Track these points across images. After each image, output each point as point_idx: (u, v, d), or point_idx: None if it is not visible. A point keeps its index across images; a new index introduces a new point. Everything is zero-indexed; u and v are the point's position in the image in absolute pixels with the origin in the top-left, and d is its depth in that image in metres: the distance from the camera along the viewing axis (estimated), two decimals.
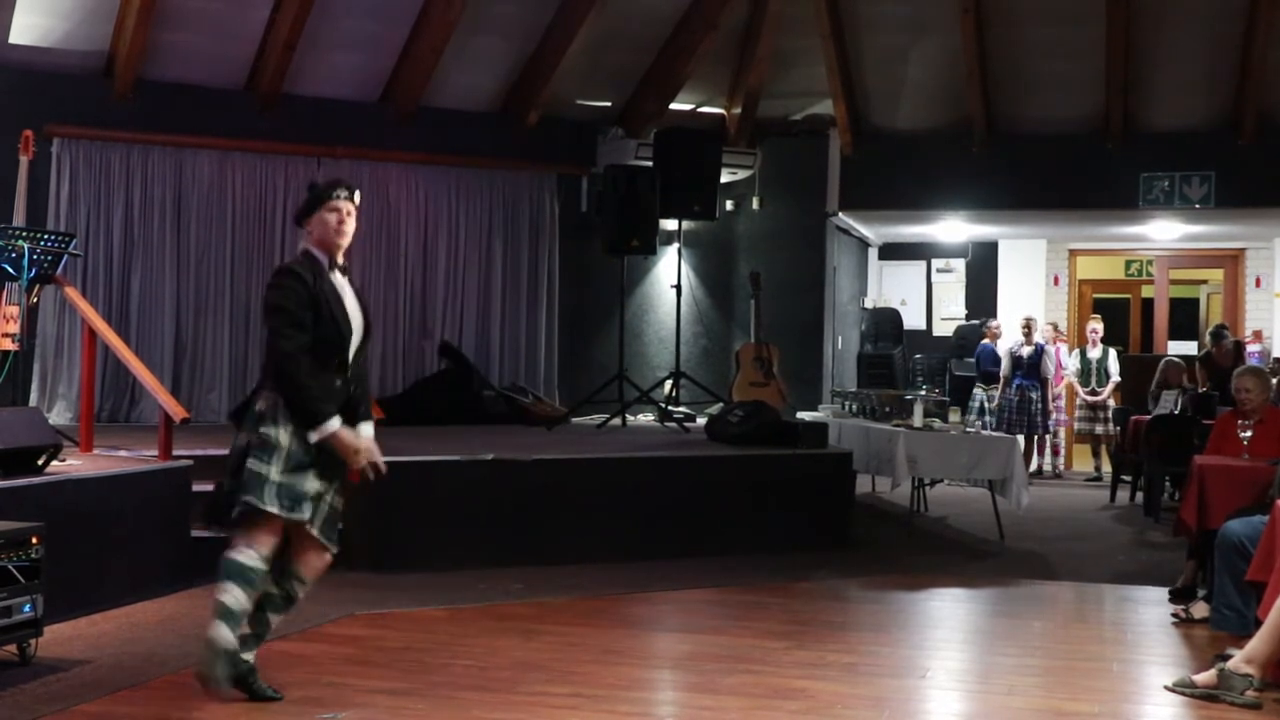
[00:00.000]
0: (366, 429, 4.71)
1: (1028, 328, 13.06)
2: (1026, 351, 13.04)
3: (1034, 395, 12.91)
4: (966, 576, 7.81)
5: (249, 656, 4.65)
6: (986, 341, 13.56)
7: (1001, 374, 13.04)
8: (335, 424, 4.52)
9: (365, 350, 4.76)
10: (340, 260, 4.71)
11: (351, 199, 4.71)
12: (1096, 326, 13.41)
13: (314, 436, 4.50)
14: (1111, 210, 12.72)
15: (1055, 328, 14.02)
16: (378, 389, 10.71)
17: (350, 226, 4.69)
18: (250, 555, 4.52)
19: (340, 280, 4.68)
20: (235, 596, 4.49)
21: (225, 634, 4.47)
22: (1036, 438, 13.18)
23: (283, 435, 4.52)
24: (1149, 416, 10.82)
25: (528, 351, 11.86)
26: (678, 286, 11.27)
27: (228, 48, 10.42)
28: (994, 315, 14.53)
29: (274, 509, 4.49)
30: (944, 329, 14.85)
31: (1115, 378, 13.04)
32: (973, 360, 13.59)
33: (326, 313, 4.55)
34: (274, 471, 4.50)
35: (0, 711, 4.46)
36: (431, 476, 7.62)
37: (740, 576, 7.46)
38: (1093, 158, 12.34)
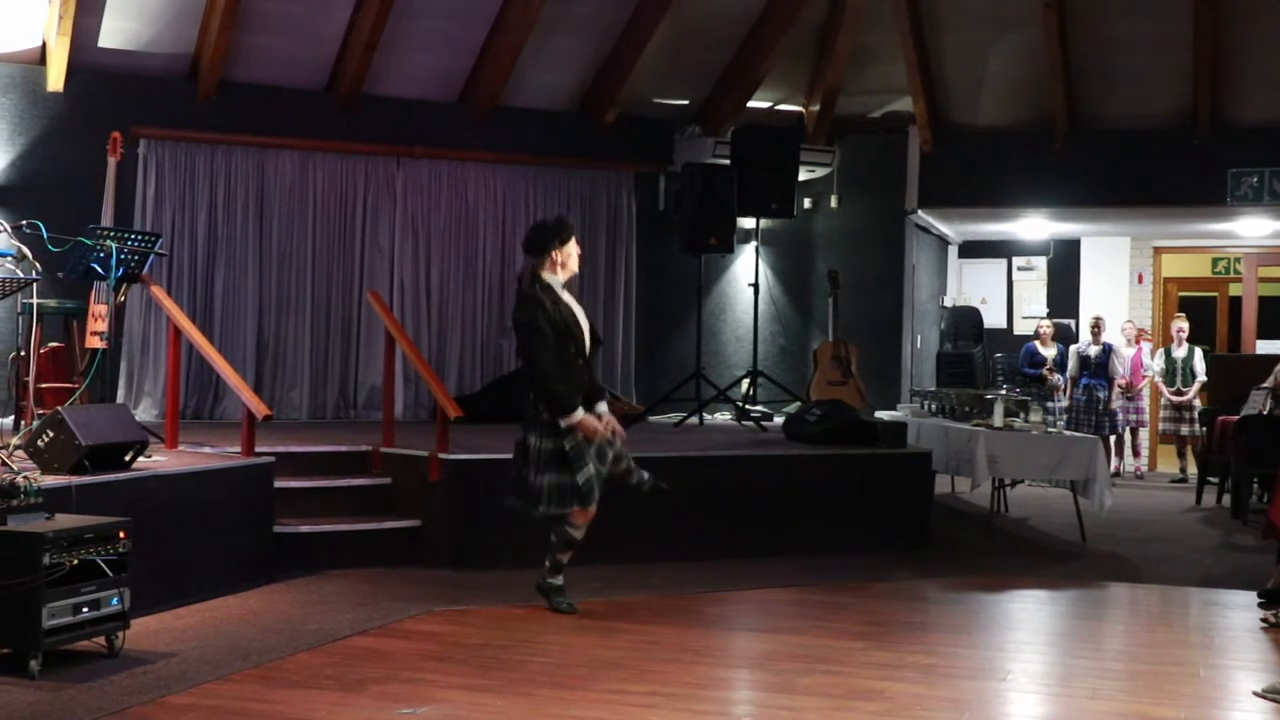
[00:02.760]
0: (602, 406, 6.16)
1: (1096, 327, 12.97)
2: (1094, 351, 12.92)
3: (1101, 395, 12.81)
4: (1048, 578, 7.73)
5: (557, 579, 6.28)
6: (1033, 343, 13.41)
7: (1069, 375, 12.92)
8: (580, 413, 5.94)
9: (597, 352, 6.21)
10: (566, 279, 6.03)
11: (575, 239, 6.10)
12: (1182, 325, 13.21)
13: (564, 422, 5.90)
14: (1198, 207, 12.49)
15: (1135, 325, 13.81)
16: (455, 387, 10.80)
17: None
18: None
19: (569, 299, 5.98)
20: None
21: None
22: (1115, 439, 13.01)
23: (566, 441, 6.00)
24: (1236, 417, 10.63)
25: (605, 349, 11.86)
26: (755, 285, 11.25)
27: (309, 49, 10.55)
28: (1075, 314, 14.36)
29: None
30: (1025, 328, 14.67)
31: (1201, 377, 12.83)
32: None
33: (567, 324, 5.93)
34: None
35: (89, 702, 4.56)
36: (509, 474, 7.63)
37: (818, 576, 7.43)
38: (1179, 153, 12.12)
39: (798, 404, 10.59)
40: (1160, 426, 13.53)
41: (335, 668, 5.12)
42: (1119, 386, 13.04)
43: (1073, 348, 13.14)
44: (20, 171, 9.74)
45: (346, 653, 5.30)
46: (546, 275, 5.94)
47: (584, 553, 7.50)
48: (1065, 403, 12.91)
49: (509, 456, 7.69)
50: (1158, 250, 15.04)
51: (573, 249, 6.03)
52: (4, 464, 5.54)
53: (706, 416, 10.76)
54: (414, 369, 9.74)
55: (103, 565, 5.07)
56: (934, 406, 10.66)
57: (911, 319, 13.13)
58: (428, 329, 11.11)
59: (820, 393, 10.83)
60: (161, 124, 10.19)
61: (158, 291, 7.87)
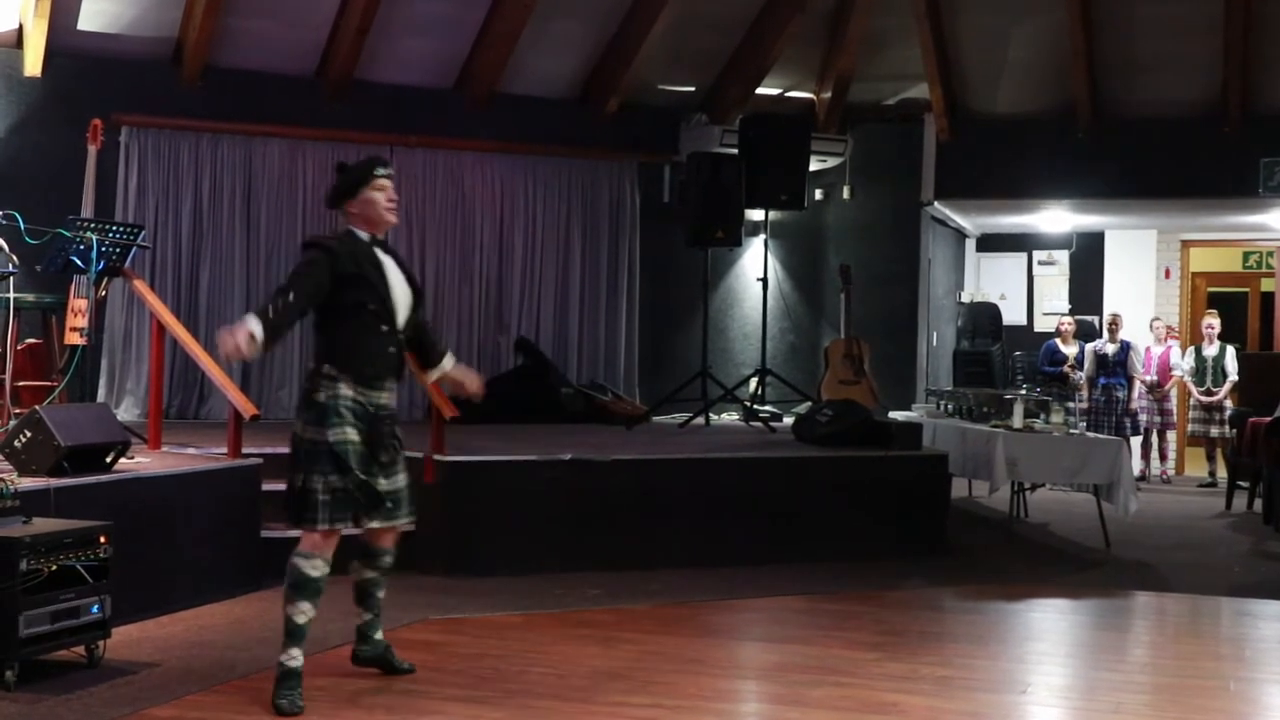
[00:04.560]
0: (449, 361, 5.37)
1: (1113, 324, 12.98)
2: (1111, 349, 12.92)
3: (1121, 395, 12.81)
4: (1070, 587, 7.72)
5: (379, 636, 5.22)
6: (1054, 340, 13.40)
7: (1085, 374, 12.92)
8: (251, 322, 4.61)
9: (418, 316, 5.14)
10: (381, 235, 5.02)
11: (390, 176, 5.02)
12: (1213, 322, 13.19)
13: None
14: (1228, 198, 12.47)
15: (1164, 322, 13.79)
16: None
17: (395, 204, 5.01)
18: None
19: (383, 256, 4.99)
20: None
21: None
22: (1139, 441, 13.01)
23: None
24: (1268, 419, 10.62)
25: (607, 347, 11.89)
26: (764, 279, 11.24)
27: (298, 33, 10.55)
28: (1099, 310, 14.34)
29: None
30: (1046, 325, 14.67)
31: (1233, 377, 12.82)
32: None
33: (367, 280, 4.87)
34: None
35: (68, 715, 4.57)
36: (506, 477, 7.66)
37: (829, 584, 7.43)
38: (1208, 142, 12.11)
39: (808, 404, 10.58)
40: (1189, 428, 13.51)
41: (325, 679, 5.11)
42: (1141, 385, 13.04)
43: (1089, 346, 13.15)
44: None
45: (337, 664, 5.30)
46: (353, 229, 4.98)
47: (584, 559, 7.54)
48: (1084, 403, 12.91)
49: (509, 458, 7.76)
50: (1185, 244, 15.01)
51: (376, 196, 4.94)
52: None
53: (713, 417, 10.75)
54: (407, 367, 9.71)
55: (82, 571, 5.07)
56: (950, 407, 10.65)
57: (927, 315, 13.12)
58: None
59: (831, 392, 10.83)
60: (144, 111, 10.19)
61: (140, 285, 7.86)
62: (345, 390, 4.84)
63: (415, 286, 5.12)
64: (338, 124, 10.77)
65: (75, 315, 8.03)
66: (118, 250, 7.54)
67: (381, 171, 5.00)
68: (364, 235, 4.97)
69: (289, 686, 4.71)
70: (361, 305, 4.86)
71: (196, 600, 6.35)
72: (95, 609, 5.12)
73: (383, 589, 5.25)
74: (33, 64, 9.77)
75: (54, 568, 4.95)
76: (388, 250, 5.05)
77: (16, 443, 5.93)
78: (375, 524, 4.99)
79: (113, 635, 5.28)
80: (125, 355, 10.15)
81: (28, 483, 5.56)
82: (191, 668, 5.24)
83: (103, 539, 5.20)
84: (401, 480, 5.06)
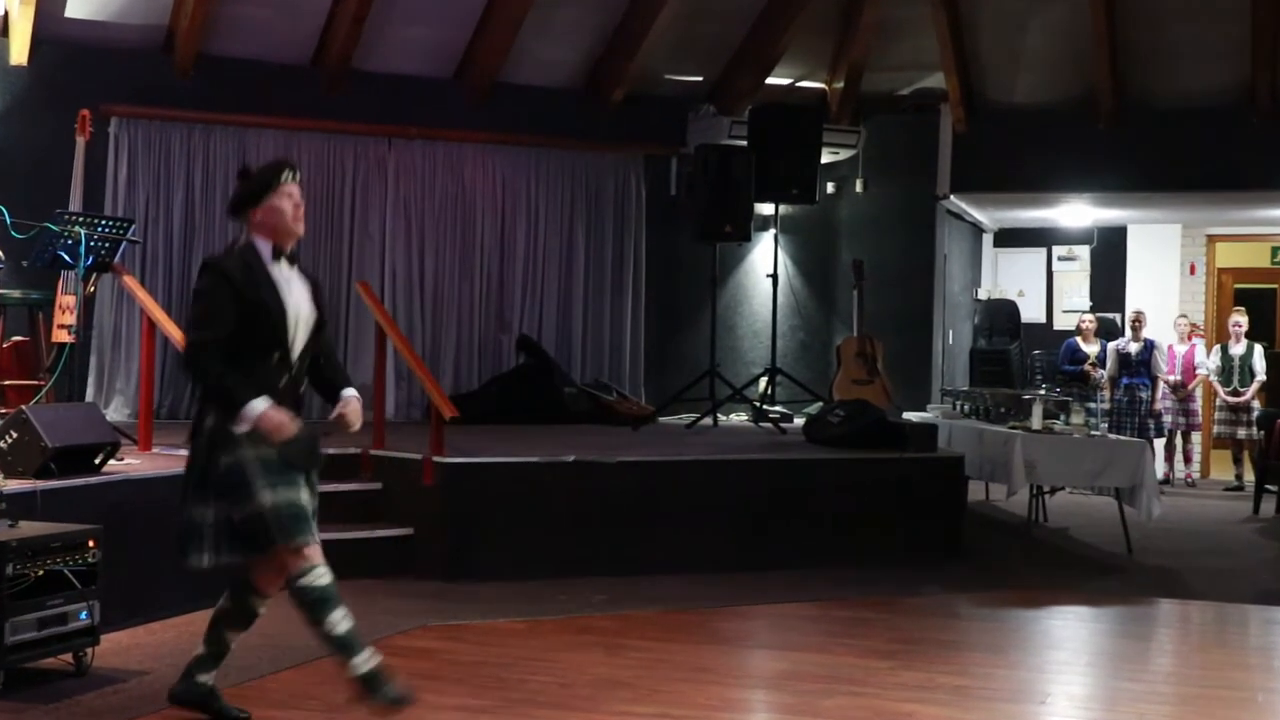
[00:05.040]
0: (349, 392, 4.78)
1: (1136, 322, 12.99)
2: (1135, 348, 12.91)
3: (1144, 395, 12.81)
4: (1090, 593, 7.72)
5: (208, 679, 4.76)
6: (1074, 339, 13.39)
7: (1107, 374, 12.92)
8: (260, 404, 4.43)
9: (319, 342, 4.73)
10: (288, 249, 4.67)
11: (298, 181, 4.70)
12: (1240, 320, 13.17)
13: (241, 426, 4.44)
14: (1256, 191, 12.44)
15: (1189, 320, 13.78)
16: (451, 386, 10.81)
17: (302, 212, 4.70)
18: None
19: (287, 271, 4.65)
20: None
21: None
22: (1162, 443, 13.00)
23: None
24: None
25: (612, 346, 11.89)
26: (774, 276, 11.23)
27: (293, 21, 10.55)
28: (1121, 308, 14.33)
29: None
30: (1066, 322, 14.65)
31: (1261, 376, 12.80)
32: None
33: (262, 303, 4.50)
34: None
35: None
36: (509, 479, 7.66)
37: (841, 590, 7.43)
38: (1235, 133, 12.07)
39: (819, 404, 10.59)
40: (1214, 429, 13.48)
41: (320, 687, 5.12)
42: (1165, 385, 13.03)
43: (1110, 345, 13.13)
44: None
45: (332, 671, 5.30)
46: (256, 240, 4.63)
47: (588, 564, 7.54)
48: (1106, 404, 12.90)
49: (511, 460, 7.76)
50: (1211, 238, 14.98)
51: (282, 204, 4.62)
52: None
53: (721, 418, 10.75)
54: (406, 365, 9.73)
55: (70, 576, 5.08)
56: (967, 407, 10.65)
57: (942, 313, 13.11)
58: (421, 322, 11.12)
59: (844, 392, 10.82)
60: (134, 101, 10.20)
61: (130, 281, 7.88)
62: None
63: (321, 307, 4.74)
64: (334, 115, 10.78)
65: (63, 312, 8.04)
66: (107, 245, 7.55)
67: (289, 176, 4.67)
68: (266, 249, 4.62)
69: (383, 682, 4.50)
70: (251, 332, 4.50)
71: (188, 606, 6.33)
72: (83, 615, 5.13)
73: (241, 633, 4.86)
74: (19, 52, 9.78)
75: (41, 573, 4.95)
76: (293, 263, 4.69)
77: (2, 444, 5.92)
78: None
79: (101, 642, 5.29)
80: (115, 353, 10.16)
81: (14, 485, 5.57)
82: None
83: (91, 543, 5.21)
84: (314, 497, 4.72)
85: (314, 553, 4.51)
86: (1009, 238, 15.26)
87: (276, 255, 4.63)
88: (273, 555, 4.54)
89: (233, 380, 4.46)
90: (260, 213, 4.62)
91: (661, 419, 10.89)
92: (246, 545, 4.55)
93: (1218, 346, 13.30)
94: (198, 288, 4.58)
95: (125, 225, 7.82)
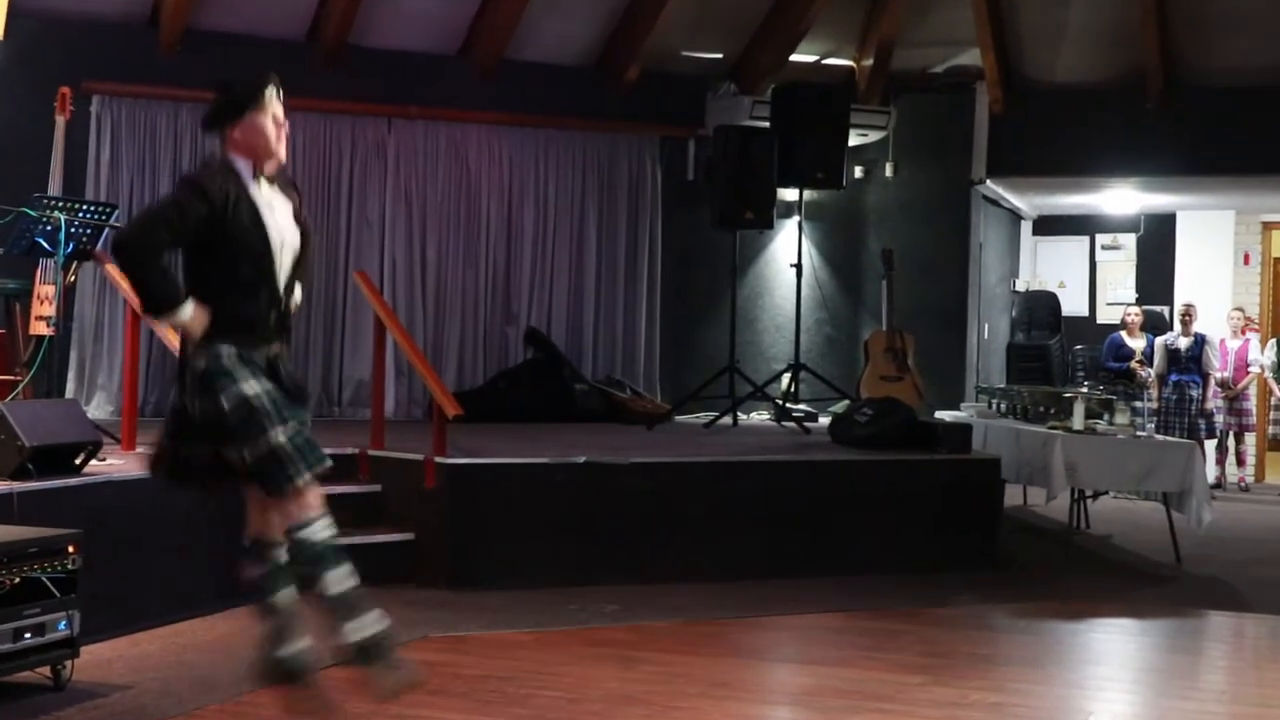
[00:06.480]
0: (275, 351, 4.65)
1: (1186, 316, 12.96)
2: (1184, 344, 12.88)
3: (1194, 394, 12.78)
4: (1135, 605, 7.70)
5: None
6: (1119, 333, 13.35)
7: (1155, 371, 12.88)
8: (189, 309, 4.39)
9: (304, 269, 4.67)
10: (267, 170, 4.58)
11: (281, 99, 4.61)
12: None
13: (163, 323, 4.41)
14: None
15: (1243, 313, 13.74)
16: (454, 382, 10.81)
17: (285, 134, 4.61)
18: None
19: (269, 191, 4.57)
20: None
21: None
22: (1214, 445, 12.96)
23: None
24: None
25: (625, 339, 11.89)
26: (798, 265, 11.22)
27: None
28: (1169, 300, 14.30)
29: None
30: (1110, 315, 14.62)
31: None
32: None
33: (237, 223, 4.42)
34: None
35: None
36: (516, 481, 7.66)
37: (869, 600, 7.42)
38: None
39: (846, 402, 10.58)
40: (1269, 430, 13.45)
41: (315, 702, 5.10)
42: (1216, 383, 12.99)
43: (1158, 340, 13.09)
44: None
45: (328, 685, 5.30)
46: (235, 158, 4.53)
47: (599, 572, 7.54)
48: (1154, 403, 12.87)
49: (518, 461, 7.76)
50: (1267, 225, 14.95)
51: (264, 122, 4.55)
52: None
53: (741, 416, 10.74)
54: (407, 360, 9.74)
55: (48, 584, 5.08)
56: (1004, 406, 10.63)
57: (978, 305, 13.09)
58: (423, 314, 11.13)
59: (872, 389, 10.81)
60: (117, 78, 10.21)
61: (113, 271, 7.88)
62: (226, 348, 4.45)
63: (304, 228, 4.67)
64: (331, 93, 10.77)
65: (41, 303, 8.05)
66: (88, 231, 7.56)
67: (274, 92, 4.59)
68: (246, 169, 4.52)
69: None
70: (233, 265, 4.45)
71: (174, 616, 6.36)
72: (62, 625, 5.13)
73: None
74: None
75: (17, 580, 4.95)
76: (274, 184, 4.60)
77: None
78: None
79: (81, 654, 5.28)
80: (96, 347, 10.18)
81: None
82: (169, 690, 5.25)
83: (71, 548, 5.20)
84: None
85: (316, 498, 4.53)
86: (1049, 225, 15.24)
87: (255, 176, 4.54)
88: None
89: (171, 282, 4.39)
90: (240, 130, 4.54)
91: (678, 418, 10.88)
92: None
93: (1273, 341, 13.27)
94: (172, 194, 4.55)
95: (108, 210, 7.83)
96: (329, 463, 4.58)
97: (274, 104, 4.59)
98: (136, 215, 4.68)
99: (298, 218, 4.67)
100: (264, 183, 4.56)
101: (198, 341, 4.44)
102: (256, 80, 4.63)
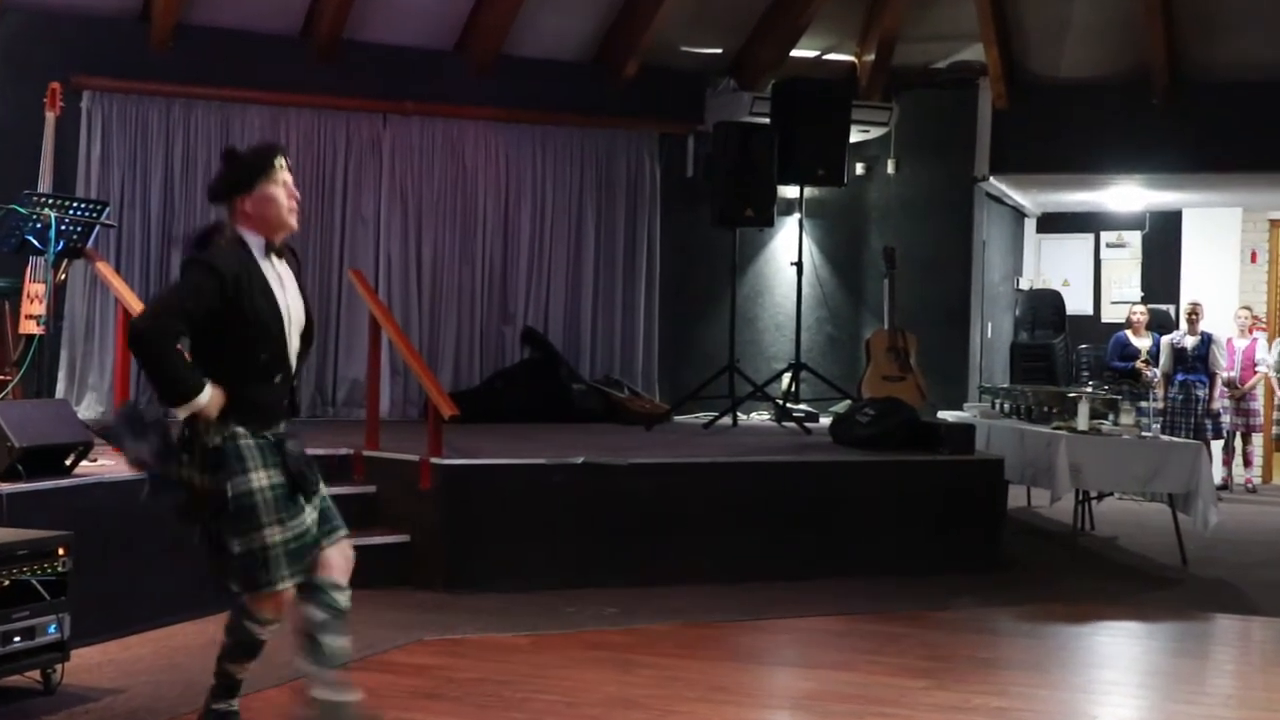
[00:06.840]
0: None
1: (1193, 314, 12.95)
2: (1190, 342, 12.88)
3: (1201, 394, 12.78)
4: (1141, 608, 7.71)
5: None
6: (1124, 332, 13.35)
7: (1161, 371, 12.89)
8: (206, 394, 4.32)
9: (308, 350, 4.63)
10: (278, 242, 4.52)
11: (292, 170, 4.55)
12: None
13: (183, 412, 4.34)
14: None
15: (1251, 312, 13.74)
16: (450, 382, 10.81)
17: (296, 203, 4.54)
18: None
19: (279, 266, 4.51)
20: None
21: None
22: (1221, 445, 12.96)
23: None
24: None
25: (624, 338, 11.88)
26: (799, 264, 11.22)
27: None
28: (1175, 298, 14.29)
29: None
30: (1115, 314, 14.62)
31: None
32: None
33: (252, 307, 4.37)
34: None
35: None
36: (512, 482, 7.67)
37: (871, 603, 7.43)
38: None
39: (847, 402, 10.57)
40: (1276, 431, 13.44)
41: (309, 707, 5.10)
42: (1222, 382, 12.99)
43: (1165, 339, 13.09)
44: None
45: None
46: (244, 232, 4.45)
47: (597, 574, 7.54)
48: (1160, 403, 12.87)
49: (515, 462, 7.75)
50: (1274, 223, 14.95)
51: (276, 193, 4.45)
52: None
53: (741, 416, 10.74)
54: (402, 360, 9.74)
55: (38, 587, 5.08)
56: (1007, 406, 10.63)
57: (981, 304, 13.09)
58: (418, 313, 11.12)
59: (873, 389, 10.81)
60: (109, 73, 10.19)
61: (104, 269, 7.89)
62: (240, 430, 4.41)
63: (305, 299, 4.63)
64: (325, 89, 10.76)
65: (31, 301, 8.04)
66: (79, 229, 7.55)
67: (283, 162, 4.50)
68: (258, 244, 4.45)
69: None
70: (249, 350, 4.40)
71: (165, 619, 6.36)
72: (53, 629, 5.13)
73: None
74: None
75: (7, 583, 4.96)
76: (281, 257, 4.53)
77: None
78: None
79: (72, 658, 5.29)
80: (87, 346, 10.16)
81: None
82: (160, 694, 5.25)
83: (61, 551, 5.21)
84: (325, 494, 4.68)
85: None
86: (1053, 223, 15.25)
87: (266, 251, 4.47)
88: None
89: (187, 369, 4.35)
90: (250, 202, 4.44)
91: (677, 418, 10.88)
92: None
93: (1279, 340, 13.26)
94: (185, 278, 4.42)
95: (99, 208, 7.83)
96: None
97: (283, 173, 4.50)
98: (150, 304, 4.60)
99: (302, 290, 4.62)
100: (273, 258, 4.49)
101: (212, 420, 4.38)
102: (265, 150, 4.57)
